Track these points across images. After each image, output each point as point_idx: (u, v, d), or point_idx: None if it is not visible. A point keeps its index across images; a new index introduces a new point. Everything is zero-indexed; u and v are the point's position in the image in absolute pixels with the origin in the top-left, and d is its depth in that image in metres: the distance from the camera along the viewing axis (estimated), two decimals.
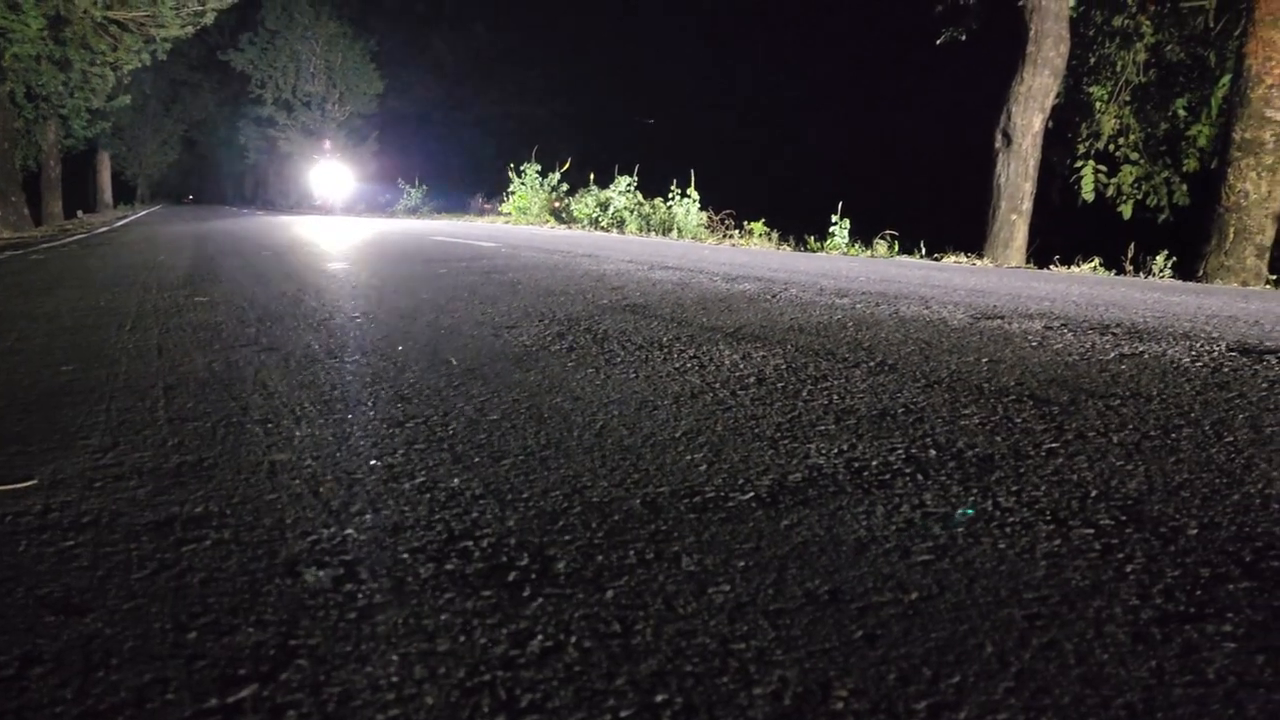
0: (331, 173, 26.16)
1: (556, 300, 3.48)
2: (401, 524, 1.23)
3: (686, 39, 19.12)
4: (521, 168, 17.08)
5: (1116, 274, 7.61)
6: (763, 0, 15.10)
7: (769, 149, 18.64)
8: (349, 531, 1.20)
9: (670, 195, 13.81)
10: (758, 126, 18.52)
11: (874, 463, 1.45)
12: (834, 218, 10.77)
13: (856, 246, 10.60)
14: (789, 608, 0.97)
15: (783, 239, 11.81)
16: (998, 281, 5.05)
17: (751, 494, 1.31)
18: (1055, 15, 9.64)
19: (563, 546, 1.15)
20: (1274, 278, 7.51)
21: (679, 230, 13.27)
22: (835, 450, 1.51)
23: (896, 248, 10.43)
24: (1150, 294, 4.39)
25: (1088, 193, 11.24)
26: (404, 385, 2.03)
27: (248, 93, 32.91)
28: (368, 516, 1.25)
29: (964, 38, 11.03)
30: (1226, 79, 9.62)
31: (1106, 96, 11.10)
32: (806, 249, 10.54)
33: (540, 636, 0.92)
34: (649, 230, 13.90)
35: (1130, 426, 1.61)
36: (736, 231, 12.74)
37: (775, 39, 17.27)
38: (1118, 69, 11.08)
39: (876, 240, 10.67)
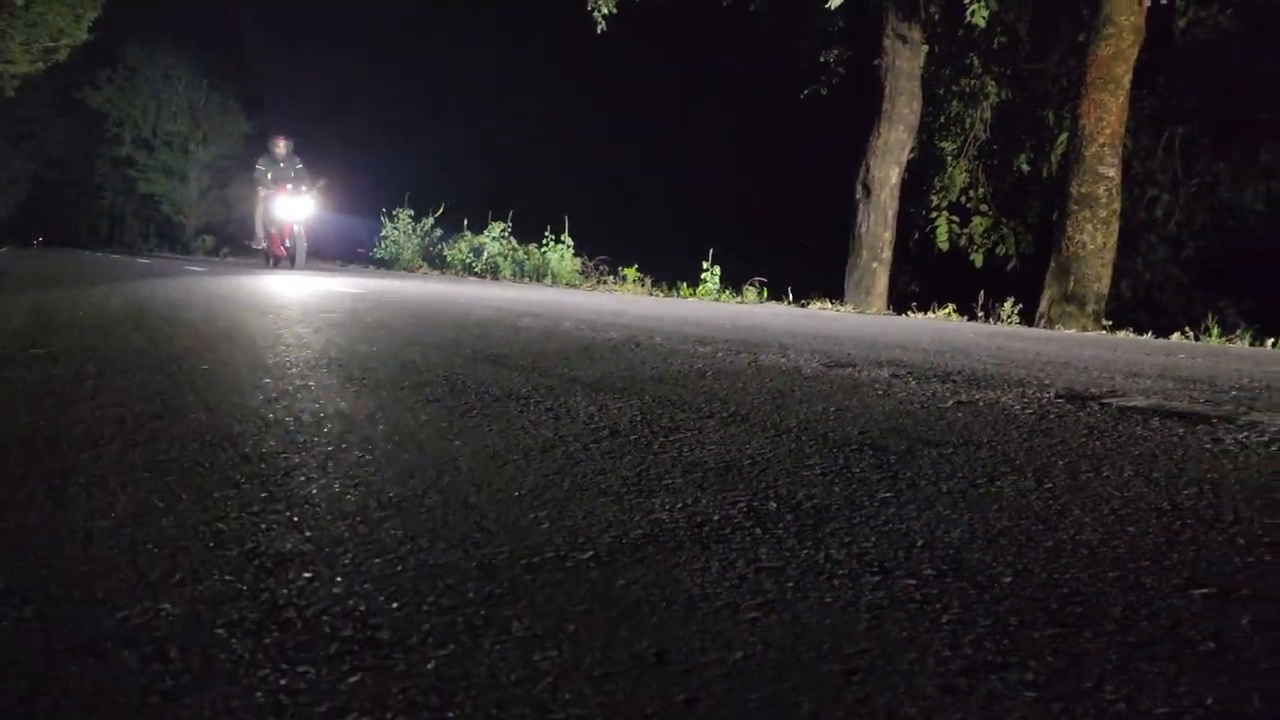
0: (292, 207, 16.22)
1: (414, 350, 3.43)
2: (223, 595, 1.18)
3: (568, 91, 19.35)
4: (395, 213, 16.86)
5: (968, 320, 7.98)
6: (642, 51, 15.41)
7: (644, 196, 18.93)
8: (164, 606, 1.14)
9: (544, 241, 13.83)
10: (634, 172, 18.81)
11: (715, 517, 1.46)
12: (705, 264, 10.98)
13: (728, 293, 10.83)
14: (614, 671, 0.97)
15: (656, 285, 11.96)
16: (856, 328, 5.23)
17: (591, 553, 1.31)
18: (908, 74, 10.14)
19: (389, 615, 1.12)
20: (1109, 324, 8.00)
21: (553, 276, 13.29)
22: (679, 504, 1.53)
23: (765, 294, 10.70)
24: (995, 340, 4.62)
25: (942, 242, 11.79)
26: (245, 443, 1.96)
27: (105, 131, 31.57)
28: (186, 589, 1.20)
29: (824, 93, 11.48)
30: (1064, 137, 10.27)
31: (956, 151, 11.71)
32: (679, 295, 10.70)
33: (355, 713, 0.89)
34: (523, 276, 13.89)
35: (959, 475, 1.68)
36: (610, 278, 12.84)
37: (651, 88, 17.61)
38: (966, 126, 11.72)
39: (747, 287, 10.92)
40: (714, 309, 7.24)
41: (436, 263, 15.92)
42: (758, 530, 1.40)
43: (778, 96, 13.25)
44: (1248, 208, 11.10)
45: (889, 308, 10.13)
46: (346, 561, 1.29)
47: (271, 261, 14.11)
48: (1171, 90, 11.06)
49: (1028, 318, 8.58)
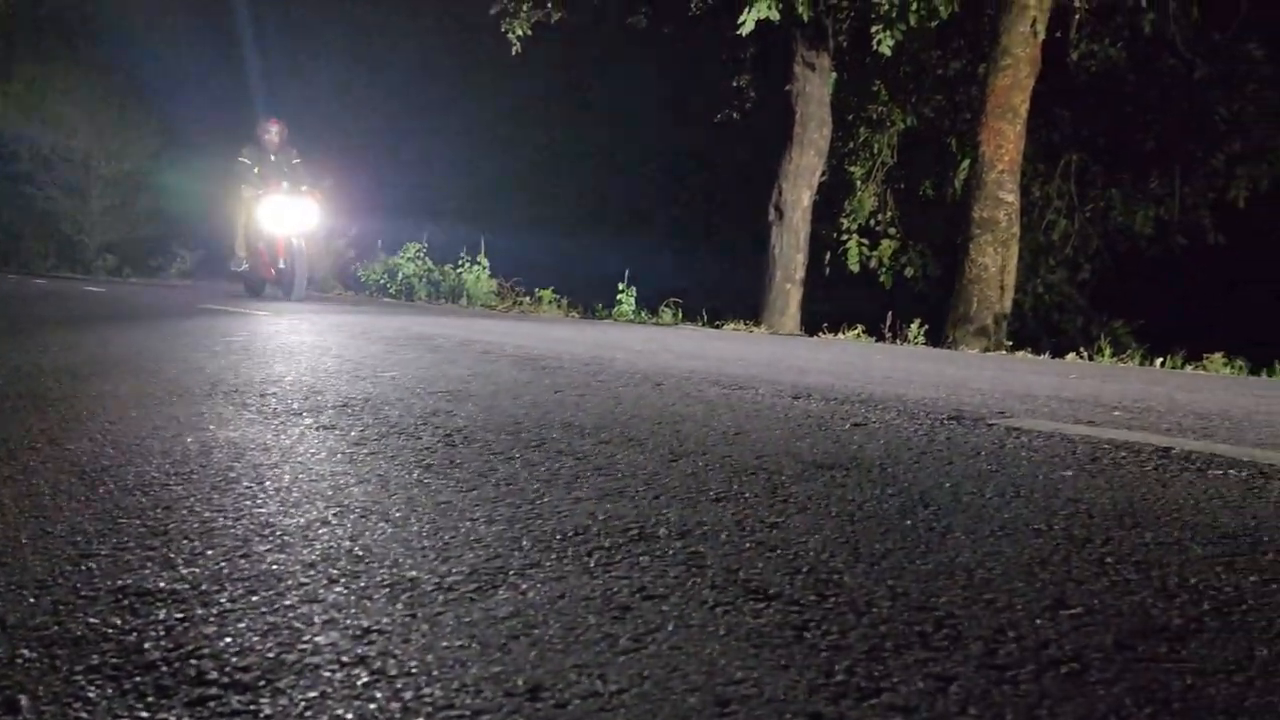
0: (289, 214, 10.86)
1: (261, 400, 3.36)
2: (85, 638, 1.13)
3: (485, 112, 19.26)
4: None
5: (876, 340, 8.16)
6: (565, 71, 15.46)
7: (562, 215, 18.93)
8: (21, 651, 1.09)
9: (460, 262, 13.72)
10: (551, 189, 18.81)
11: (605, 544, 1.46)
12: (621, 286, 11.03)
13: (644, 314, 10.88)
14: (486, 709, 0.95)
15: (573, 306, 11.96)
16: (765, 350, 5.29)
17: (474, 585, 1.29)
18: (818, 100, 10.36)
19: (261, 655, 1.08)
20: (1010, 344, 8.26)
21: (469, 297, 13.18)
22: (568, 530, 1.52)
23: (681, 315, 10.78)
24: (898, 361, 4.72)
25: (853, 264, 12.04)
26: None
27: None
28: (46, 632, 1.14)
29: (736, 117, 11.66)
30: (966, 163, 10.61)
31: (865, 176, 12.00)
32: (595, 317, 10.71)
33: None
34: (438, 297, 13.74)
35: (849, 498, 1.70)
36: (527, 299, 12.80)
37: (565, 109, 17.66)
38: (874, 151, 12.02)
39: (663, 308, 10.99)
40: (628, 331, 7.26)
41: (350, 284, 15.65)
42: (645, 558, 1.39)
43: (692, 120, 13.40)
44: (1139, 232, 11.59)
45: (802, 329, 10.30)
46: (223, 599, 1.25)
47: (254, 288, 10.73)
48: (1067, 120, 11.50)
49: (935, 338, 8.80)
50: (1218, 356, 6.57)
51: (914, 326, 8.38)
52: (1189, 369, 6.45)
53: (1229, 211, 10.95)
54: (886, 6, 8.99)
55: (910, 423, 2.43)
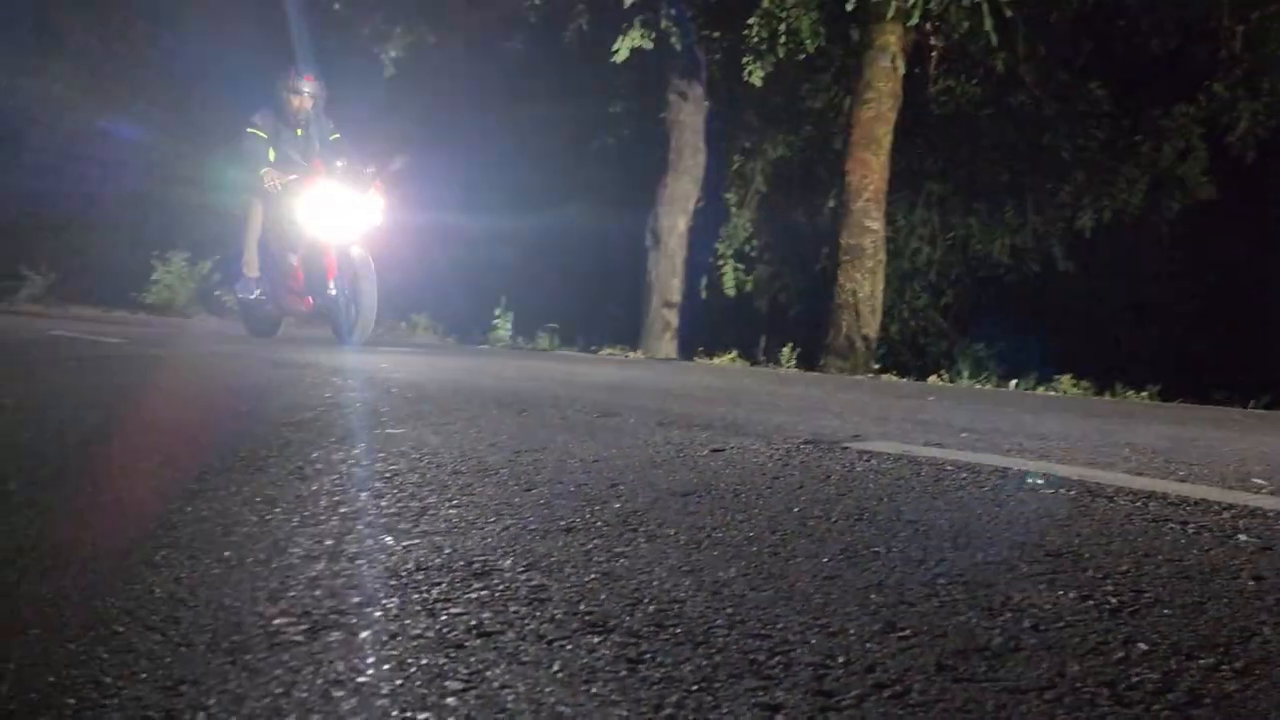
0: (343, 212, 6.69)
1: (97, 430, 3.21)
2: None
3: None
4: (167, 255, 15.83)
5: (750, 365, 8.30)
6: (433, 97, 15.29)
7: (439, 239, 18.65)
8: None
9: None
10: (426, 217, 18.51)
11: (445, 581, 1.42)
12: (497, 311, 10.94)
13: (520, 340, 10.81)
14: None
15: (448, 332, 11.79)
16: (638, 375, 5.32)
17: (304, 626, 1.24)
18: (692, 129, 10.54)
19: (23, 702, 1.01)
20: (878, 367, 8.52)
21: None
22: (409, 566, 1.48)
23: (558, 341, 10.76)
24: (767, 385, 4.81)
25: (729, 289, 12.25)
26: None
27: None
28: None
29: (613, 143, 11.76)
30: (835, 191, 10.94)
31: (739, 202, 12.25)
32: (471, 343, 10.58)
33: None
34: (305, 324, 13.34)
35: (699, 525, 1.71)
36: (402, 324, 12.56)
37: (446, 132, 17.45)
38: (748, 178, 12.29)
39: (539, 334, 10.95)
40: (501, 358, 7.18)
41: (216, 308, 15.06)
42: (486, 593, 1.37)
43: (568, 148, 13.45)
44: (996, 260, 12.16)
45: (679, 353, 10.40)
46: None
47: (260, 325, 7.63)
48: (929, 151, 12.00)
49: (809, 362, 9.02)
50: (1066, 378, 6.92)
51: (786, 351, 8.56)
52: (1040, 390, 6.78)
53: (1077, 240, 11.59)
54: (756, 39, 9.21)
55: (768, 448, 2.47)
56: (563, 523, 1.73)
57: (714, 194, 11.74)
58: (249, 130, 7.05)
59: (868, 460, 2.29)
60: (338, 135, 7.23)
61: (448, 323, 11.84)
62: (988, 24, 8.12)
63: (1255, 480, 2.17)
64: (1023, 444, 2.67)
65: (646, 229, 10.99)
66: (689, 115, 10.59)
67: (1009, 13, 8.28)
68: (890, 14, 8.16)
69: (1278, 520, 1.75)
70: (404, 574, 1.45)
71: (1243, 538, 1.64)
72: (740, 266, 12.59)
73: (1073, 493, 1.96)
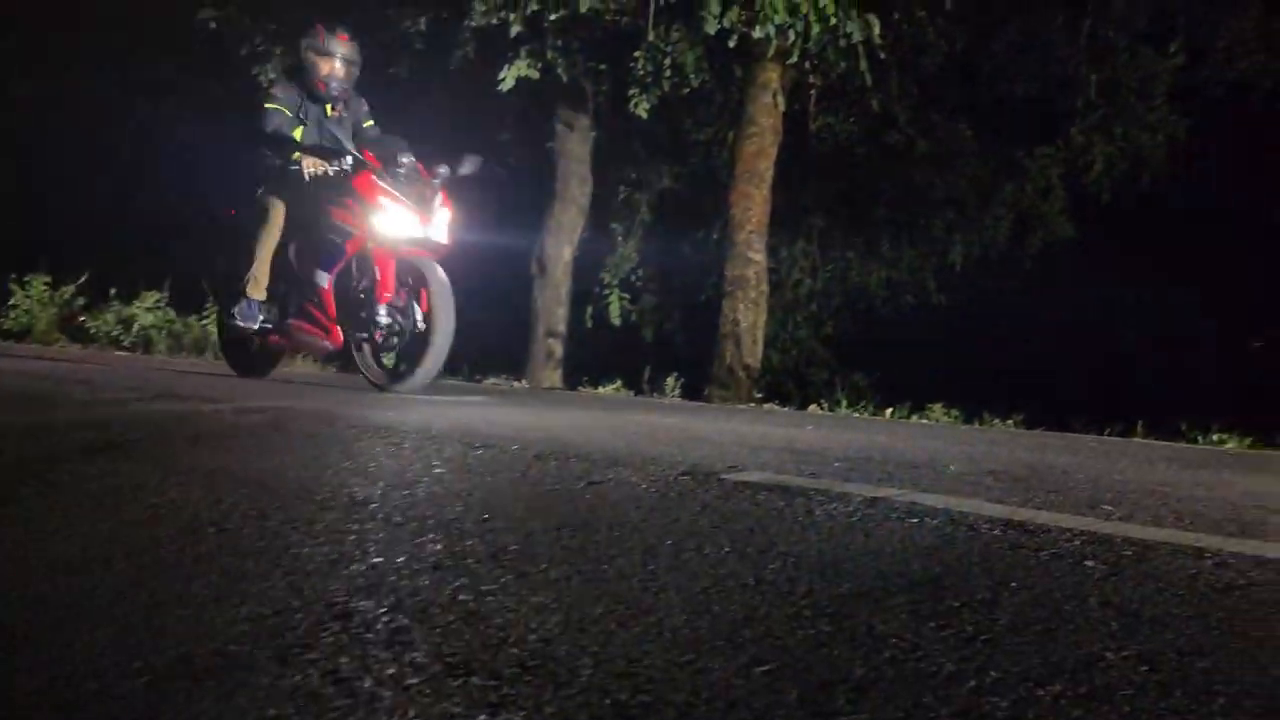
0: (409, 211, 5.27)
1: None
2: None
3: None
4: (26, 279, 15.00)
5: (635, 394, 8.34)
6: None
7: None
8: None
9: (206, 313, 12.88)
10: None
11: (301, 627, 1.36)
12: None
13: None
14: None
15: (328, 363, 11.46)
16: (518, 406, 5.27)
17: (148, 677, 1.17)
18: (578, 158, 10.59)
19: None
20: (760, 396, 8.67)
21: (216, 353, 12.38)
22: (268, 611, 1.41)
23: (443, 371, 10.58)
24: (650, 416, 4.82)
25: (615, 318, 12.30)
26: None
27: None
28: None
29: (500, 170, 11.70)
30: (720, 223, 11.14)
31: (625, 232, 12.34)
32: (353, 374, 10.32)
33: None
34: (180, 351, 12.81)
35: (571, 561, 1.69)
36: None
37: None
38: (635, 209, 12.41)
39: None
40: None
41: (77, 335, 14.32)
42: (345, 637, 1.32)
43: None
44: (873, 292, 12.56)
45: (564, 383, 10.38)
46: None
47: (249, 362, 6.22)
48: (810, 185, 12.34)
49: (694, 391, 9.11)
50: (938, 406, 7.17)
51: (670, 380, 8.64)
52: (914, 419, 7.00)
53: (949, 274, 12.07)
54: (642, 72, 9.34)
55: (645, 479, 2.47)
56: (431, 563, 1.69)
57: (600, 224, 11.81)
58: (268, 105, 5.57)
59: (743, 491, 2.31)
60: (372, 122, 5.90)
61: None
62: (863, 65, 8.41)
63: (1105, 506, 2.27)
64: (893, 473, 2.74)
65: (532, 258, 10.96)
66: (576, 145, 10.64)
67: (883, 55, 8.60)
68: (770, 53, 8.38)
69: (1124, 546, 1.84)
70: (257, 619, 1.38)
71: (1090, 563, 1.71)
72: (626, 296, 12.68)
73: (937, 521, 2.02)
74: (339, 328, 5.52)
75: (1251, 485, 2.98)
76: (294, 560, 1.68)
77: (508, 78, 9.13)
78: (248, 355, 6.29)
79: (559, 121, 10.58)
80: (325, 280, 5.53)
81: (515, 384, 9.02)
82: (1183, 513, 2.24)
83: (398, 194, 5.24)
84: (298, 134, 5.60)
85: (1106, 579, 1.62)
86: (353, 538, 1.84)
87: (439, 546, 1.78)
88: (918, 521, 2.01)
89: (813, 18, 7.76)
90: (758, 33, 7.91)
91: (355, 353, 5.54)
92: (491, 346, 12.19)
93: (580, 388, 8.89)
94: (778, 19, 7.77)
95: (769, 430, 4.22)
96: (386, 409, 4.41)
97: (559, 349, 11.01)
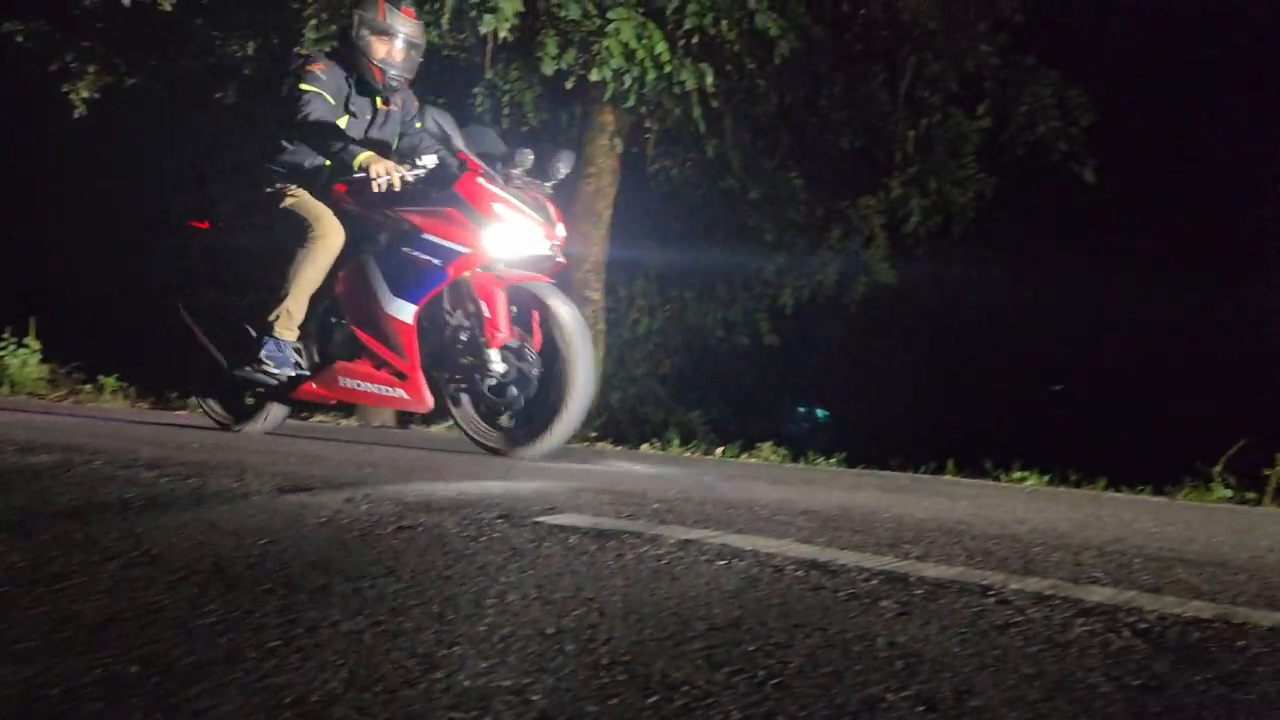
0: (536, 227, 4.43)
1: None
2: None
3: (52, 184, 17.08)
4: None
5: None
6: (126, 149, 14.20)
7: (134, 291, 17.19)
8: None
9: (3, 344, 11.91)
10: (116, 271, 17.03)
11: (55, 691, 1.25)
12: None
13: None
14: None
15: (142, 395, 10.79)
16: (345, 444, 5.08)
17: None
18: None
19: None
20: (595, 435, 8.66)
21: (11, 385, 11.45)
22: (24, 676, 1.28)
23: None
24: (477, 455, 4.73)
25: None
26: None
27: None
28: None
29: None
30: None
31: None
32: (169, 408, 9.76)
33: None
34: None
35: (365, 612, 1.62)
36: (88, 386, 11.38)
37: (129, 174, 16.21)
38: None
39: (247, 397, 10.25)
40: (184, 425, 6.66)
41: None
42: (100, 704, 1.21)
43: None
44: (710, 332, 12.84)
45: (396, 420, 10.09)
46: None
47: (251, 411, 5.21)
48: (648, 227, 12.54)
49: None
50: (767, 445, 7.35)
51: (504, 418, 8.53)
52: (743, 457, 7.16)
53: (780, 316, 12.47)
54: (480, 108, 9.30)
55: (458, 523, 2.41)
56: (214, 617, 1.58)
57: None
58: (305, 88, 4.44)
59: (556, 535, 2.29)
60: (421, 124, 4.90)
61: (142, 385, 10.85)
62: (696, 112, 8.65)
63: (905, 545, 2.37)
64: (710, 514, 2.77)
65: None
66: None
67: (715, 103, 8.88)
68: (607, 96, 8.50)
69: (917, 585, 1.91)
70: (9, 686, 1.26)
71: (884, 603, 1.77)
72: None
73: (744, 563, 2.05)
74: (421, 375, 4.46)
75: (1041, 522, 3.17)
76: (60, 620, 1.55)
77: None
78: (231, 402, 5.28)
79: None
80: (408, 313, 4.39)
81: (343, 422, 8.71)
82: (975, 550, 2.35)
83: (516, 202, 4.34)
84: (342, 123, 4.62)
85: (896, 619, 1.67)
86: (133, 591, 1.71)
87: (226, 601, 1.68)
88: (725, 564, 2.03)
89: (648, 64, 7.93)
90: (594, 76, 8.01)
91: (453, 408, 4.60)
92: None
93: (412, 425, 8.66)
94: (614, 63, 7.90)
95: (596, 470, 4.22)
96: (197, 443, 4.16)
97: None
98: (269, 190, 4.76)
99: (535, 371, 4.36)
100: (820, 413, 16.44)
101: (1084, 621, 1.67)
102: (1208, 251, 12.70)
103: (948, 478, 6.21)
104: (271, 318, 4.64)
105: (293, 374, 4.72)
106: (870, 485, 4.53)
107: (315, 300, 4.66)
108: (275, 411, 5.22)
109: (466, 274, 4.35)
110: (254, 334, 4.83)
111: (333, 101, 4.57)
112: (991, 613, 1.71)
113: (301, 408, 5.87)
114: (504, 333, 4.30)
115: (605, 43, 7.82)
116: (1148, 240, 13.03)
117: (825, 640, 1.54)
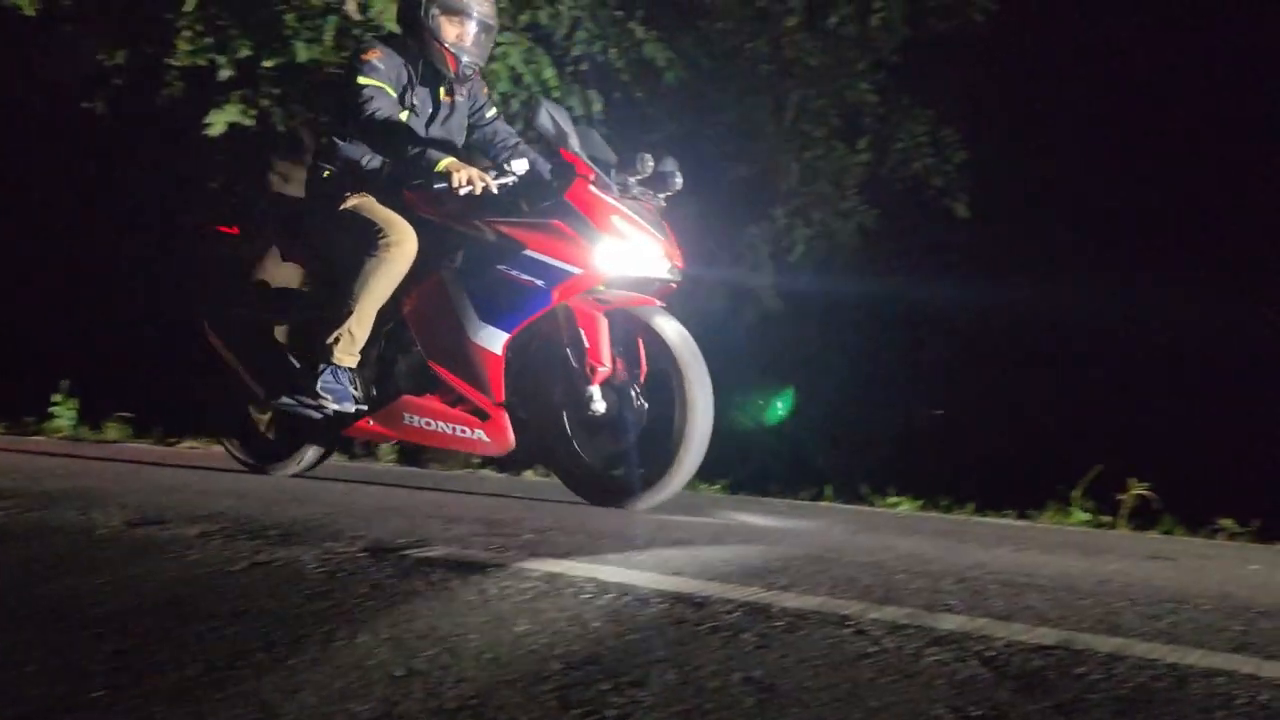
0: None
1: None
2: None
3: None
4: None
5: (350, 460, 7.96)
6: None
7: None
8: None
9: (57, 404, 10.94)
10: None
11: None
12: (58, 396, 9.61)
13: (85, 428, 9.57)
14: None
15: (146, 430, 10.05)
16: (207, 471, 4.87)
17: None
18: None
19: None
20: (478, 462, 8.54)
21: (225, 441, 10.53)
22: None
23: (133, 431, 9.65)
24: (352, 485, 4.60)
25: None
26: None
27: None
28: None
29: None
30: None
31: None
32: (21, 432, 9.20)
33: None
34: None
35: (203, 660, 1.54)
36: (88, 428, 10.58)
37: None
38: None
39: (108, 423, 9.74)
40: (44, 451, 6.33)
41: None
42: None
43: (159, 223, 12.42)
44: None
45: None
46: None
47: (283, 452, 4.57)
48: None
49: (414, 457, 8.81)
50: None
51: (385, 446, 8.34)
52: None
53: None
54: None
55: (319, 558, 2.31)
56: (36, 667, 1.48)
57: None
58: (365, 82, 3.96)
59: (421, 569, 2.22)
60: (495, 111, 4.52)
61: None
62: None
63: (772, 575, 2.38)
64: (583, 544, 2.75)
65: None
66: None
67: (606, 130, 8.91)
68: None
69: (779, 616, 1.91)
70: None
71: (745, 635, 1.77)
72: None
73: (610, 596, 2.02)
74: (506, 415, 3.88)
75: (908, 549, 3.24)
76: None
77: (216, 123, 8.61)
78: (261, 443, 4.64)
79: (274, 172, 10.09)
80: (498, 342, 3.82)
81: (215, 446, 8.36)
82: (840, 579, 2.38)
83: (635, 215, 3.84)
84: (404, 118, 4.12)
85: (755, 651, 1.67)
86: None
87: (55, 647, 1.57)
88: (591, 597, 2.01)
89: (535, 89, 7.92)
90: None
91: (543, 452, 4.12)
92: (195, 405, 11.29)
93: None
94: (501, 87, 7.86)
95: (473, 499, 4.14)
96: (54, 475, 3.93)
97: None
98: (321, 193, 4.21)
99: (641, 407, 3.83)
100: None
101: (935, 651, 1.70)
102: (1084, 278, 13.28)
103: (824, 503, 6.33)
104: (330, 340, 3.94)
105: (353, 409, 4.06)
106: (748, 510, 4.57)
107: (378, 321, 4.02)
108: (313, 451, 4.58)
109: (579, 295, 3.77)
110: (296, 359, 4.25)
111: (393, 95, 4.05)
112: (848, 644, 1.73)
113: (348, 447, 5.23)
114: (606, 365, 3.73)
115: (492, 66, 7.77)
116: (1024, 269, 13.58)
117: (681, 677, 1.53)
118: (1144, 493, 6.07)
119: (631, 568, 2.36)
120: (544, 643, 1.68)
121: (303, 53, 7.77)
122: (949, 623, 1.89)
